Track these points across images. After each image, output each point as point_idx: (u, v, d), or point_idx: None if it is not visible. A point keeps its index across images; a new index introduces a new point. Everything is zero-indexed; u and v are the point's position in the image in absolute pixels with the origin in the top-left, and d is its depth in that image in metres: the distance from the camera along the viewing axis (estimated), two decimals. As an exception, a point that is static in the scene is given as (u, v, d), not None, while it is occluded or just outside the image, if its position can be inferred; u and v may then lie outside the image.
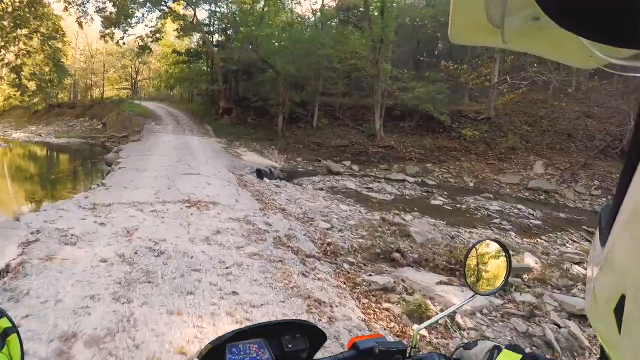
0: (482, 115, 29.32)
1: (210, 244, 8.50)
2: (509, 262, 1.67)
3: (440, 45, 39.38)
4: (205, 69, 42.13)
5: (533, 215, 17.93)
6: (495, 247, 1.72)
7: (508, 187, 23.81)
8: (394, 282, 7.72)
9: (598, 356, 0.91)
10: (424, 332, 5.65)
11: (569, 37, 0.76)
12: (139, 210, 10.55)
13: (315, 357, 1.62)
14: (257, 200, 14.17)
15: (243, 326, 1.79)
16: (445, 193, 21.01)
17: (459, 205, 18.65)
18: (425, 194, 20.94)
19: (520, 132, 27.69)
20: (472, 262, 1.72)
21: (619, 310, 0.55)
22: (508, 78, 27.07)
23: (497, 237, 12.80)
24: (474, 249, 1.72)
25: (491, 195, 21.27)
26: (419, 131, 29.38)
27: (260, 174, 20.43)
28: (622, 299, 0.54)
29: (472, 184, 24.24)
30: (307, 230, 11.10)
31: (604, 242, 0.64)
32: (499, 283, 1.71)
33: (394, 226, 12.98)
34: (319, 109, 30.66)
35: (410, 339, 1.88)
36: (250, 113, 33.92)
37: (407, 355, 1.56)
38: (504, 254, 1.69)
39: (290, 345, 1.55)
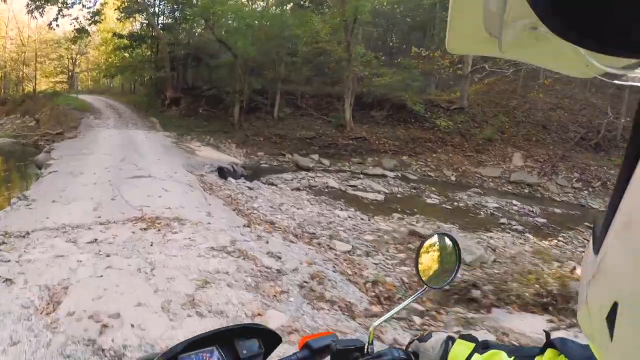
0: (455, 105, 26.49)
1: (203, 315, 4.54)
2: (459, 256, 1.55)
3: (410, 30, 35.90)
4: (150, 54, 36.41)
5: (533, 212, 16.52)
6: (445, 241, 1.60)
7: (490, 180, 22.03)
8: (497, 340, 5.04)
9: None
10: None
11: (567, 46, 0.59)
12: (70, 241, 6.64)
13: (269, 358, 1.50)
14: (234, 210, 10.57)
15: (192, 336, 1.45)
16: (434, 189, 18.69)
17: (455, 203, 16.64)
18: (413, 190, 18.26)
19: (494, 123, 25.68)
20: (423, 255, 1.58)
21: (611, 318, 0.52)
22: (487, 66, 24.18)
23: (503, 235, 12.13)
24: (426, 243, 1.58)
25: (480, 190, 19.42)
26: (390, 121, 25.95)
27: (222, 172, 16.77)
28: (615, 306, 0.51)
29: (453, 178, 22.03)
30: (328, 259, 7.54)
31: (597, 249, 0.58)
32: (448, 276, 1.57)
33: (418, 240, 9.34)
34: (279, 98, 26.39)
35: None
36: (200, 103, 29.03)
37: (365, 351, 1.43)
38: (454, 247, 1.57)
39: (245, 351, 1.43)
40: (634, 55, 0.46)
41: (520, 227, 13.79)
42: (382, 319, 1.58)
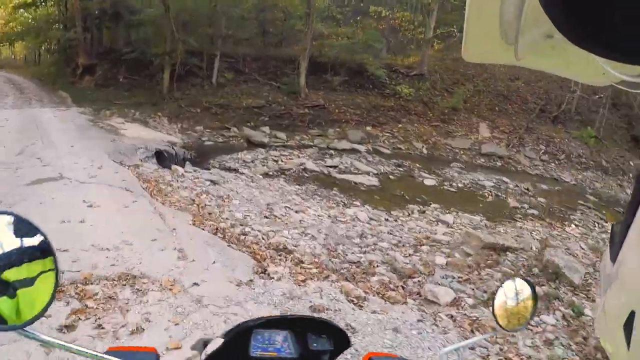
0: (415, 71, 23.17)
1: None
2: (535, 300, 1.49)
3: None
4: (57, 12, 28.28)
5: (528, 190, 15.14)
6: (522, 285, 1.53)
7: (462, 152, 19.72)
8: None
9: None
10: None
11: (582, 54, 0.60)
12: None
13: None
14: (215, 232, 6.51)
15: (272, 315, 1.58)
16: (418, 165, 15.77)
17: (453, 184, 14.09)
18: (400, 169, 14.89)
19: (455, 91, 23.15)
20: (499, 298, 1.52)
21: (628, 326, 0.52)
22: (455, 31, 21.81)
23: (534, 225, 10.88)
24: (502, 287, 1.53)
25: (460, 165, 17.28)
26: (347, 87, 21.95)
27: (161, 158, 11.95)
28: (632, 314, 0.51)
29: (425, 150, 19.07)
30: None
31: (614, 258, 0.60)
32: (524, 320, 1.52)
33: (496, 252, 7.41)
34: (219, 60, 21.37)
35: None
36: (121, 69, 22.82)
37: None
38: (531, 291, 1.51)
39: (315, 344, 1.39)
40: None
41: (534, 212, 12.31)
42: (452, 347, 1.52)
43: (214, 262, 5.00)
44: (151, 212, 6.58)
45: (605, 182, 21.18)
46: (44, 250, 0.96)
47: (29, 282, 0.94)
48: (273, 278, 4.74)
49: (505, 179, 15.88)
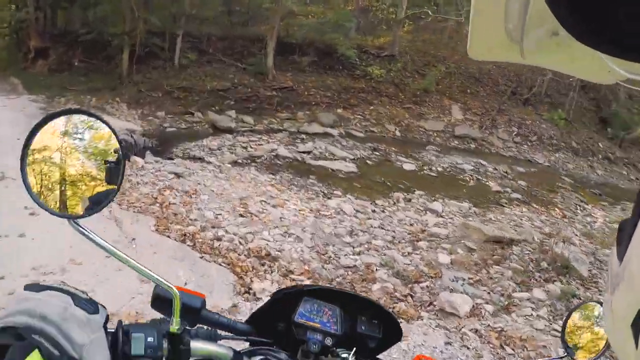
0: (386, 52, 22.29)
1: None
2: None
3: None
4: None
5: (507, 173, 14.78)
6: (598, 309, 1.42)
7: (436, 134, 19.14)
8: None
9: None
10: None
11: (588, 52, 0.54)
12: None
13: (380, 356, 1.39)
14: (182, 238, 5.67)
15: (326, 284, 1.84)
16: (394, 149, 14.98)
17: (433, 168, 13.51)
18: (376, 152, 14.07)
19: (427, 73, 22.43)
20: (572, 322, 1.42)
21: (636, 325, 0.50)
22: (430, 12, 22.07)
23: (522, 211, 10.66)
24: (577, 310, 1.45)
25: (436, 148, 16.69)
26: (316, 69, 20.78)
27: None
28: None
29: (398, 133, 18.34)
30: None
31: (621, 256, 0.57)
32: (599, 349, 1.36)
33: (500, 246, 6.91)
34: (182, 40, 19.83)
35: None
36: (77, 52, 21.08)
37: None
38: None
39: (363, 327, 1.32)
40: None
41: (518, 196, 12.06)
42: None
43: (185, 283, 4.03)
44: (105, 219, 5.53)
45: (576, 163, 21.13)
46: (113, 150, 1.00)
47: (96, 176, 1.02)
48: (260, 298, 3.79)
49: (482, 161, 15.42)
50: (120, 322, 1.07)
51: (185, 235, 5.47)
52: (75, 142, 1.06)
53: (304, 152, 11.81)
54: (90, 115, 1.06)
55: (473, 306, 4.64)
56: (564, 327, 1.41)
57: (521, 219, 9.70)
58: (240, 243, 5.40)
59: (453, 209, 9.09)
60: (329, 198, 8.16)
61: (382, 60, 21.95)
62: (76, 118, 1.06)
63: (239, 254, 5.04)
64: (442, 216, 8.48)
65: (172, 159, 10.11)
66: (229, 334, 1.32)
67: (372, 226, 6.84)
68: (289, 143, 12.70)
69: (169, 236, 5.36)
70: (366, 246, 5.93)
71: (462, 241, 6.50)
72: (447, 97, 21.84)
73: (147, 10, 18.83)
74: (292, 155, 11.40)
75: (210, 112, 16.17)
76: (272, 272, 4.60)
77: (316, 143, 12.99)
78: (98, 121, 1.05)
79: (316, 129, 15.72)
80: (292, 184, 8.85)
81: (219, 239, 5.48)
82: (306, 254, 5.31)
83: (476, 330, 4.22)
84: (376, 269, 5.14)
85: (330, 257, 5.40)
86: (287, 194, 7.93)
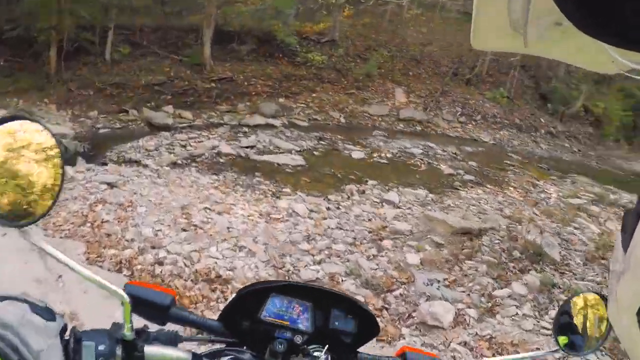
0: (326, 38, 21.75)
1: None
2: (609, 320, 1.14)
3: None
4: None
5: (456, 155, 14.71)
6: (594, 300, 1.36)
7: (381, 119, 18.71)
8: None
9: None
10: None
11: (592, 42, 0.53)
12: None
13: (359, 350, 1.32)
14: (121, 268, 5.00)
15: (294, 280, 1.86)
16: (340, 137, 14.44)
17: (382, 154, 13.04)
18: (322, 142, 13.46)
19: (369, 57, 22.11)
20: (566, 315, 1.37)
21: None
22: None
23: (478, 193, 10.52)
24: (571, 301, 1.38)
25: (382, 132, 16.31)
26: (255, 57, 19.81)
27: None
28: None
29: (343, 120, 17.73)
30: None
31: (626, 245, 0.58)
32: (594, 342, 1.32)
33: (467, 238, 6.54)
34: (113, 33, 18.46)
35: None
36: (1, 50, 20.02)
37: None
38: (604, 308, 1.30)
39: (337, 323, 1.26)
40: None
41: (471, 177, 12.04)
42: (499, 359, 1.43)
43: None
44: (26, 250, 4.43)
45: (521, 139, 21.40)
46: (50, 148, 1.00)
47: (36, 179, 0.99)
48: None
49: (430, 144, 15.27)
50: (73, 328, 1.03)
51: (121, 262, 4.78)
52: (12, 149, 1.03)
53: (247, 147, 11.06)
54: (29, 120, 1.04)
55: (456, 313, 4.19)
56: (556, 318, 1.38)
57: (479, 202, 9.48)
58: (185, 265, 4.74)
59: (410, 198, 8.68)
60: (278, 198, 7.54)
61: (323, 46, 21.33)
62: (15, 124, 1.02)
63: (185, 280, 4.39)
64: (399, 207, 8.06)
65: (105, 164, 9.13)
66: (193, 336, 1.30)
67: (329, 227, 6.30)
68: (231, 138, 11.91)
69: (101, 265, 4.66)
70: (327, 252, 5.38)
71: (428, 236, 6.03)
72: (390, 81, 21.51)
73: (75, 2, 17.44)
74: (235, 151, 10.60)
75: (146, 109, 15.06)
76: (225, 299, 3.92)
77: (259, 136, 12.29)
78: (35, 124, 1.03)
79: (258, 121, 14.97)
80: (237, 184, 8.13)
81: (160, 263, 4.81)
82: (262, 270, 4.70)
83: (465, 343, 3.82)
84: (342, 280, 4.61)
85: (288, 270, 4.83)
86: (233, 196, 7.23)
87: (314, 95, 18.75)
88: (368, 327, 1.30)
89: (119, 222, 5.71)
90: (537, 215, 9.12)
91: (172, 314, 1.18)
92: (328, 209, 7.17)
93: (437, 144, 15.56)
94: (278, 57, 19.92)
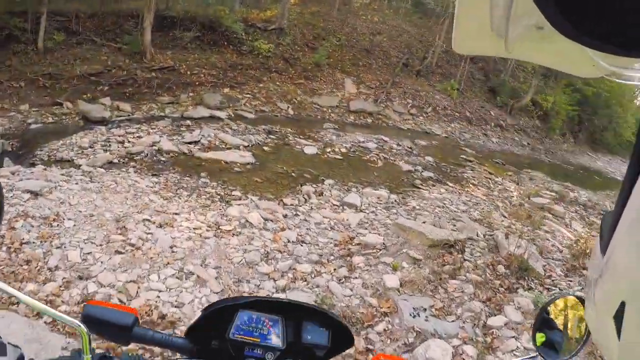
0: (273, 26, 20.66)
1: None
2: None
3: None
4: None
5: (411, 149, 14.11)
6: (574, 303, 1.34)
7: (330, 110, 18.08)
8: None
9: None
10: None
11: (573, 46, 0.57)
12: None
13: None
14: (54, 325, 3.60)
15: (262, 295, 1.71)
16: (290, 130, 13.45)
17: (336, 149, 12.03)
18: (272, 136, 12.41)
19: (317, 47, 21.26)
20: (545, 319, 1.33)
21: (619, 317, 0.51)
22: None
23: (441, 191, 10.02)
24: (551, 305, 1.35)
25: (333, 125, 15.56)
26: (199, 45, 18.59)
27: None
28: (622, 305, 0.51)
29: (291, 111, 16.89)
30: None
31: (604, 249, 0.59)
32: (573, 347, 1.29)
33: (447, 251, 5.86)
34: (47, 19, 16.73)
35: None
36: None
37: None
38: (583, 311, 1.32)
39: (309, 337, 1.24)
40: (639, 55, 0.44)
41: (430, 174, 11.37)
42: None
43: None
44: None
45: (472, 132, 21.31)
46: None
47: None
48: None
49: (384, 137, 14.64)
50: None
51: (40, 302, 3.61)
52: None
53: (190, 143, 10.01)
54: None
55: (453, 354, 3.47)
56: (535, 323, 1.32)
57: (444, 203, 8.96)
58: (120, 302, 3.75)
59: (372, 200, 8.06)
60: (227, 203, 6.63)
61: (270, 34, 20.41)
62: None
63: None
64: (362, 211, 7.40)
65: (34, 164, 7.94)
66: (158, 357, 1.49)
67: (289, 241, 5.47)
68: (173, 132, 10.78)
69: (17, 310, 3.57)
70: (291, 276, 4.58)
71: (404, 250, 5.35)
72: (340, 71, 21.00)
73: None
74: (178, 147, 9.51)
75: (81, 102, 13.64)
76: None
77: (204, 130, 11.21)
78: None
79: (202, 113, 13.92)
80: (181, 187, 7.15)
81: (90, 300, 3.69)
82: (206, 302, 3.74)
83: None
84: (312, 312, 3.73)
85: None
86: (176, 203, 6.30)
87: (260, 85, 17.84)
88: (342, 338, 1.27)
89: (41, 242, 4.63)
90: (506, 217, 8.61)
91: (135, 334, 1.13)
92: (285, 216, 6.35)
93: (390, 137, 14.97)
94: (223, 45, 18.90)
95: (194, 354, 1.18)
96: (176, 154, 9.09)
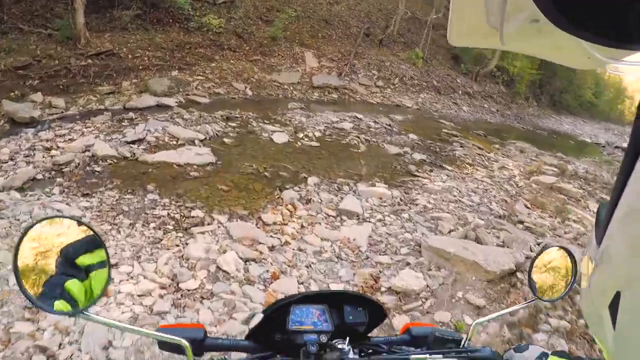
0: (221, -1, 18.37)
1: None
2: (574, 270, 1.42)
3: None
4: None
5: (390, 126, 12.70)
6: (561, 253, 1.46)
7: (292, 88, 16.13)
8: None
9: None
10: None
11: (568, 38, 0.58)
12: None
13: (371, 334, 1.45)
14: None
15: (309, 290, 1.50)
16: (253, 114, 11.29)
17: (309, 134, 10.10)
18: (232, 123, 10.12)
19: (271, 19, 19.12)
20: (537, 267, 1.45)
21: (614, 306, 0.51)
22: None
23: (440, 176, 8.59)
24: (541, 255, 1.47)
25: (300, 104, 13.68)
26: (141, 24, 16.12)
27: None
28: (617, 295, 0.51)
29: (249, 92, 14.72)
30: None
31: (599, 240, 0.58)
32: (562, 290, 1.45)
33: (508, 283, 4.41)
34: None
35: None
36: None
37: (461, 345, 1.35)
38: (569, 260, 1.44)
39: (351, 317, 1.37)
40: (635, 47, 0.44)
41: (422, 157, 9.83)
42: (486, 318, 1.46)
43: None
44: None
45: (442, 102, 20.39)
46: (97, 244, 1.09)
47: (96, 266, 1.08)
48: None
49: (358, 115, 13.12)
50: None
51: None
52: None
53: (133, 142, 7.82)
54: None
55: None
56: (530, 271, 1.41)
57: (454, 195, 7.37)
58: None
59: (373, 202, 6.32)
60: (187, 232, 4.66)
61: (220, 8, 18.24)
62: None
63: None
64: (367, 220, 5.63)
65: None
66: (233, 353, 1.38)
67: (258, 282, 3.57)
68: (113, 130, 8.51)
69: None
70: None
71: (458, 295, 3.54)
72: (298, 44, 19.08)
73: None
74: (117, 150, 7.25)
75: (7, 101, 11.05)
76: None
77: (150, 123, 8.98)
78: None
79: (148, 102, 11.69)
80: (121, 211, 5.05)
81: None
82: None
83: None
84: None
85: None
86: (114, 243, 4.24)
87: (213, 65, 15.73)
88: (376, 314, 1.39)
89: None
90: (529, 208, 7.03)
91: (207, 344, 1.25)
92: (272, 248, 4.44)
93: (364, 114, 13.37)
94: (168, 23, 16.59)
95: (260, 350, 1.30)
96: (115, 160, 6.85)
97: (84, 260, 1.02)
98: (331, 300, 1.35)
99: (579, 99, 37.32)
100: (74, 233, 1.04)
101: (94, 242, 1.06)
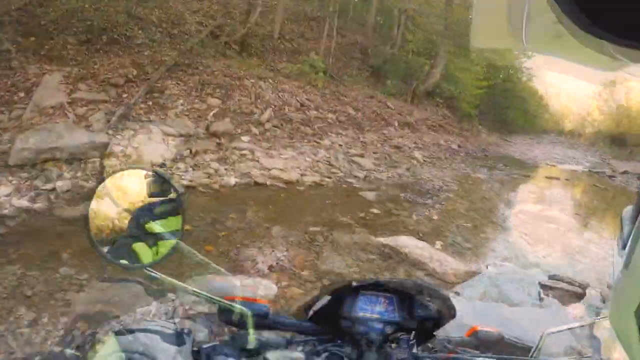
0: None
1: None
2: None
3: None
4: None
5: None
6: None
7: None
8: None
9: None
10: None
11: (592, 40, 0.52)
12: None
13: (437, 333, 1.37)
14: None
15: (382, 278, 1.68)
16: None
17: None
18: None
19: None
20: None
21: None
22: None
23: None
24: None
25: None
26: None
27: None
28: None
29: None
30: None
31: (624, 245, 0.58)
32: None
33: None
34: None
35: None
36: None
37: (531, 355, 1.30)
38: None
39: (419, 310, 1.30)
40: None
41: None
42: (557, 329, 1.38)
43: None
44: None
45: (371, 148, 11.25)
46: (177, 208, 1.07)
47: (165, 235, 1.05)
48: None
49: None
50: (200, 347, 1.06)
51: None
52: (134, 195, 1.11)
53: None
54: (144, 169, 1.16)
55: None
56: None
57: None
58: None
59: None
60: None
61: None
62: (132, 172, 1.14)
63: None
64: None
65: None
66: (295, 338, 1.28)
67: None
68: None
69: None
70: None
71: None
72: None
73: None
74: None
75: None
76: None
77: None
78: (152, 173, 1.13)
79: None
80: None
81: None
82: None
83: None
84: None
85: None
86: None
87: None
88: (446, 310, 1.30)
89: None
90: None
91: (271, 322, 1.20)
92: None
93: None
94: None
95: (322, 333, 1.23)
96: None
97: (153, 227, 1.02)
98: (399, 291, 1.27)
99: (525, 115, 32.19)
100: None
101: (169, 209, 1.03)
